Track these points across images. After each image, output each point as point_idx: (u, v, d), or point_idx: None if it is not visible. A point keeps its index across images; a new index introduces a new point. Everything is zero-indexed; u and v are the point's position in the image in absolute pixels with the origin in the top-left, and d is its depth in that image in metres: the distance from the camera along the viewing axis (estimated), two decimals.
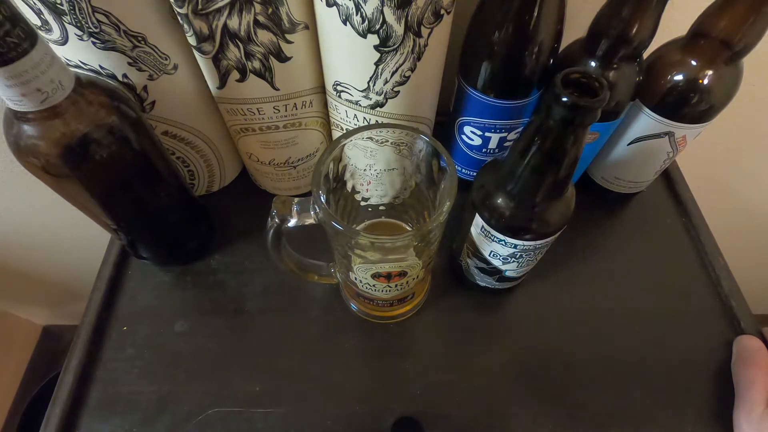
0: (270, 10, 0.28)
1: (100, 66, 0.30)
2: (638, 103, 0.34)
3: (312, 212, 0.26)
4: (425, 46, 0.29)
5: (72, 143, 0.26)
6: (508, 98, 0.33)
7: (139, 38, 0.29)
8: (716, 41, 0.29)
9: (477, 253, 0.32)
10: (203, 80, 0.34)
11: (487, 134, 0.36)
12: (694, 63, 0.31)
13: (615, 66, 0.31)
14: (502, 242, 0.29)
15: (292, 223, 0.27)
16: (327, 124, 0.38)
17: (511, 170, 0.27)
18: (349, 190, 0.32)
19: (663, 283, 0.39)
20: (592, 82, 0.22)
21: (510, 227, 0.28)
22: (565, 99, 0.21)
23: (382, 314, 0.36)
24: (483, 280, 0.35)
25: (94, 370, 0.34)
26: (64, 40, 0.28)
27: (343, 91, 0.32)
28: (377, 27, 0.27)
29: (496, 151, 0.38)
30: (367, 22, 0.27)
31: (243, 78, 0.31)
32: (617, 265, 0.40)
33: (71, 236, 0.64)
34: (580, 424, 0.32)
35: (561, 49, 0.32)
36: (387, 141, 0.29)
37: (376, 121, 0.33)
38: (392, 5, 0.26)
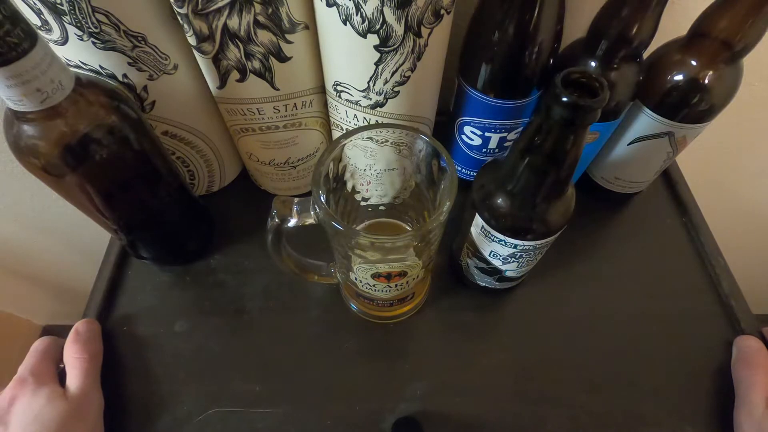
0: (270, 10, 0.28)
1: (100, 66, 0.30)
2: (638, 103, 0.34)
3: (312, 212, 0.26)
4: (425, 46, 0.29)
5: (72, 143, 0.26)
6: (508, 98, 0.33)
7: (139, 38, 0.29)
8: (716, 41, 0.29)
9: (477, 253, 0.32)
10: (203, 80, 0.34)
11: (487, 134, 0.36)
12: (694, 63, 0.31)
13: (615, 66, 0.31)
14: (502, 242, 0.29)
15: (292, 223, 0.27)
16: (327, 124, 0.38)
17: (511, 170, 0.27)
18: (349, 190, 0.32)
19: (663, 283, 0.39)
20: (592, 82, 0.22)
21: (510, 227, 0.28)
22: (565, 99, 0.21)
23: (382, 314, 0.36)
24: (483, 280, 0.35)
25: None
26: (64, 40, 0.28)
27: (343, 91, 0.32)
28: (377, 27, 0.27)
29: (496, 151, 0.38)
30: (367, 22, 0.27)
31: (243, 78, 0.31)
32: (617, 265, 0.40)
33: (71, 236, 0.64)
34: (579, 424, 0.32)
35: (561, 49, 0.32)
36: (387, 141, 0.29)
37: (376, 121, 0.33)
38: (392, 5, 0.26)
